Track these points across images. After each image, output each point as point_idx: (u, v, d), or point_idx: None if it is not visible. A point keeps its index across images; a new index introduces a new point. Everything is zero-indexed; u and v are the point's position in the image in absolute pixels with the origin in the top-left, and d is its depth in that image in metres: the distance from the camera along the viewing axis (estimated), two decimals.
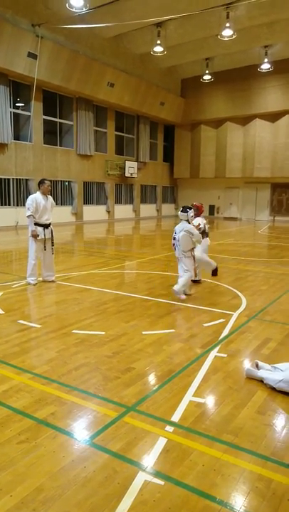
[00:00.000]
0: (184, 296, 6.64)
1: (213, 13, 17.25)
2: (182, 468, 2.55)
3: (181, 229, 6.60)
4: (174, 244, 6.74)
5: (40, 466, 2.56)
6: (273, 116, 25.10)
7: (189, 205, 6.95)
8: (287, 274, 8.73)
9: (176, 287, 6.56)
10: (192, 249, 6.72)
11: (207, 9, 16.78)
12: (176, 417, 3.11)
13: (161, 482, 2.42)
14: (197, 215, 7.42)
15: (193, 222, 7.01)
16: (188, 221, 6.68)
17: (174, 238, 6.70)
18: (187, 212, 6.63)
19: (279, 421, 3.12)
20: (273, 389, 3.56)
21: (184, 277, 6.62)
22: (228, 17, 16.98)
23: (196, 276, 7.21)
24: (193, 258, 6.80)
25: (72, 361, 4.10)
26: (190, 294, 6.92)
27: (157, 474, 2.49)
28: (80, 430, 2.95)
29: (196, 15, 17.37)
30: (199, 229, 7.16)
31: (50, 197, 7.53)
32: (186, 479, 2.45)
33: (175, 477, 2.47)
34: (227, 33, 17.42)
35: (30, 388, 3.54)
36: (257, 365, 3.90)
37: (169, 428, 2.98)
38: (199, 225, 7.29)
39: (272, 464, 2.61)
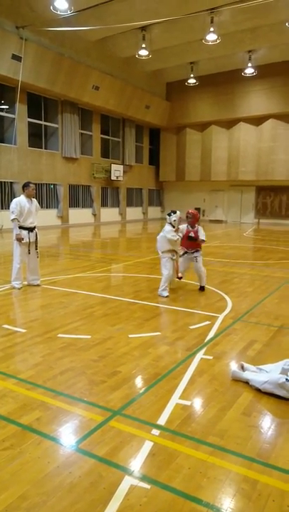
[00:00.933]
0: (165, 294, 6.92)
1: (198, 18, 17.41)
2: (168, 471, 2.55)
3: (163, 230, 7.05)
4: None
5: (25, 472, 2.52)
6: (257, 120, 25.43)
7: (174, 210, 7.29)
8: (271, 276, 8.82)
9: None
10: (171, 252, 7.05)
11: (191, 14, 16.93)
12: (162, 421, 3.11)
13: (147, 486, 2.41)
14: (193, 222, 7.44)
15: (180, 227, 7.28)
16: (171, 224, 7.02)
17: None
18: (170, 215, 7.08)
19: (264, 422, 3.14)
20: (259, 390, 3.58)
21: (162, 278, 7.04)
22: (212, 22, 17.16)
23: (177, 274, 7.40)
24: (175, 261, 7.16)
25: (57, 366, 4.07)
26: (180, 277, 7.35)
27: (144, 478, 2.48)
28: (66, 435, 2.92)
29: (181, 19, 17.51)
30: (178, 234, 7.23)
31: (34, 200, 7.47)
32: (172, 483, 2.45)
33: (161, 481, 2.46)
34: (211, 37, 17.60)
35: (15, 394, 3.50)
36: (242, 367, 3.92)
37: (155, 431, 2.97)
38: (178, 229, 7.27)
39: (258, 465, 2.63)
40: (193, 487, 2.41)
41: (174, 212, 7.10)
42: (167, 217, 7.11)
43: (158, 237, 7.13)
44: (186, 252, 7.52)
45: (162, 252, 7.05)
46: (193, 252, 7.45)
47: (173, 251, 7.10)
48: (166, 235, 6.95)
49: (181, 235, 7.30)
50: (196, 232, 7.38)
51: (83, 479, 2.46)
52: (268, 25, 18.75)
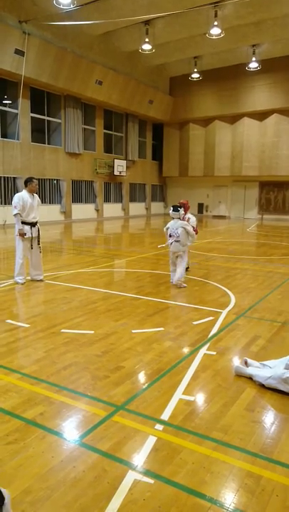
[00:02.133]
0: (185, 285, 7.24)
1: (201, 12, 17.29)
2: (172, 466, 2.55)
3: (177, 226, 7.16)
4: (170, 242, 7.22)
5: (29, 467, 2.53)
6: (261, 115, 25.28)
7: (178, 204, 7.42)
8: (275, 272, 8.80)
9: (175, 279, 7.26)
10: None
11: (195, 7, 16.81)
12: (165, 416, 3.11)
13: (151, 481, 2.42)
14: (184, 212, 7.67)
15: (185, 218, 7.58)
16: (180, 218, 7.27)
17: (170, 235, 7.23)
18: (178, 210, 7.23)
19: (268, 418, 3.14)
20: (262, 386, 3.58)
21: (180, 268, 7.22)
22: (216, 16, 17.03)
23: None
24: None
25: (60, 361, 4.07)
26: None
27: (147, 473, 2.48)
28: (69, 430, 2.93)
29: (184, 13, 17.40)
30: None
31: (36, 195, 7.47)
32: (175, 477, 2.45)
33: (165, 476, 2.46)
34: (215, 31, 17.47)
35: (19, 388, 3.51)
36: (246, 363, 3.92)
37: (159, 426, 2.97)
38: (189, 219, 7.76)
39: (262, 460, 2.63)
40: (196, 482, 2.41)
41: (180, 207, 7.34)
42: (174, 213, 7.23)
43: (178, 233, 7.08)
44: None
45: (184, 246, 7.21)
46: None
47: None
48: (186, 228, 7.13)
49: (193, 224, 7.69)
50: (187, 221, 7.72)
51: (87, 474, 2.47)
52: (271, 19, 18.59)
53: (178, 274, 7.25)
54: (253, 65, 22.84)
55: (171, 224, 7.26)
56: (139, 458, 2.62)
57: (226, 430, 2.94)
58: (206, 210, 29.49)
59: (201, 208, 29.73)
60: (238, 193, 28.18)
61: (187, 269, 7.76)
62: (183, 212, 7.32)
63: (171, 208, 7.31)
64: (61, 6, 15.20)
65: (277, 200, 26.73)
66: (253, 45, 22.02)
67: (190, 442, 2.80)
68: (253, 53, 22.35)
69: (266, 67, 23.21)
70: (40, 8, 17.22)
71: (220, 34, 17.64)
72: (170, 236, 7.21)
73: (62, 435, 2.86)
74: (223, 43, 20.32)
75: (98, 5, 16.89)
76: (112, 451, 2.68)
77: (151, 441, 2.80)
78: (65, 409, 3.18)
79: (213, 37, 17.97)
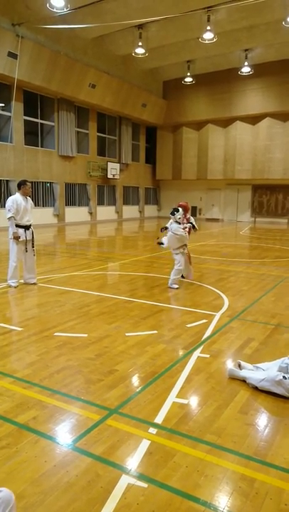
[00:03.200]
0: (176, 286, 7.37)
1: (194, 16, 17.40)
2: (166, 470, 2.54)
3: (170, 228, 7.42)
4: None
5: (22, 471, 2.51)
6: (253, 119, 25.45)
7: (176, 207, 7.59)
8: (268, 275, 8.84)
9: (170, 280, 7.43)
10: (182, 247, 7.52)
11: (188, 12, 16.91)
12: (159, 419, 3.10)
13: (144, 485, 2.41)
14: (185, 213, 7.89)
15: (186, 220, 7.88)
16: (177, 222, 7.44)
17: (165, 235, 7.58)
18: (174, 214, 7.43)
19: (261, 420, 3.14)
20: (256, 388, 3.59)
21: (173, 270, 7.45)
22: (208, 20, 17.14)
23: (190, 260, 7.95)
24: (188, 255, 7.76)
25: (54, 364, 4.05)
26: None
27: (141, 477, 2.47)
28: (63, 434, 2.91)
29: (177, 17, 17.49)
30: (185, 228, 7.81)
31: (29, 198, 7.44)
32: (169, 481, 2.44)
33: (159, 479, 2.45)
34: (208, 36, 17.57)
35: (11, 392, 3.48)
36: (239, 365, 3.93)
37: (153, 430, 2.96)
38: (190, 218, 8.16)
39: (255, 463, 2.63)
40: (190, 486, 2.41)
41: (177, 211, 7.44)
42: (171, 216, 7.44)
43: (168, 237, 7.42)
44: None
45: (174, 250, 7.48)
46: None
47: (184, 245, 7.59)
48: (175, 233, 7.33)
49: (187, 225, 7.90)
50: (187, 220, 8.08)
51: (80, 478, 2.45)
52: (264, 24, 18.76)
53: (172, 275, 7.47)
54: (246, 70, 23.02)
55: (168, 224, 7.58)
56: (133, 462, 2.61)
57: (219, 433, 2.94)
58: (200, 213, 29.56)
59: (194, 210, 29.78)
60: (231, 196, 28.30)
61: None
62: (180, 216, 7.40)
63: (171, 211, 7.63)
64: (55, 10, 15.21)
65: (269, 203, 26.88)
66: (246, 50, 22.20)
67: (184, 445, 2.79)
68: (246, 58, 22.53)
69: (258, 72, 23.39)
70: (34, 11, 17.20)
71: (213, 38, 17.74)
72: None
73: (56, 439, 2.84)
74: (216, 47, 20.45)
75: (92, 9, 16.93)
76: (105, 455, 2.67)
77: (144, 444, 2.79)
78: (58, 413, 3.16)
79: (206, 41, 18.07)
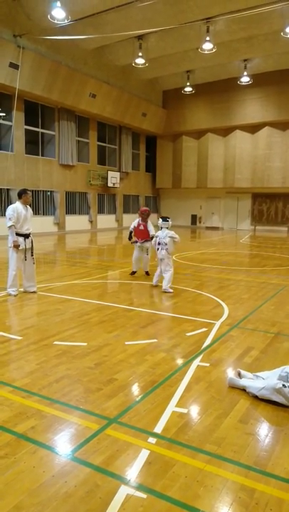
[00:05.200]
0: (171, 290, 7.64)
1: (194, 27, 17.62)
2: (165, 480, 2.52)
3: (164, 235, 7.76)
4: (158, 249, 7.81)
5: (20, 482, 2.49)
6: (253, 128, 25.63)
7: (166, 217, 8.11)
8: (268, 283, 8.83)
9: (164, 285, 7.69)
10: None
11: (187, 23, 17.12)
12: (158, 428, 3.08)
13: (143, 495, 2.39)
14: (146, 217, 8.99)
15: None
16: (167, 228, 7.87)
17: (159, 243, 7.79)
18: (168, 221, 7.88)
19: (261, 430, 3.12)
20: (256, 397, 3.57)
21: (168, 275, 7.72)
22: (208, 31, 17.35)
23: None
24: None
25: (53, 373, 4.04)
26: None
27: (140, 487, 2.45)
28: (61, 444, 2.89)
29: (177, 29, 17.71)
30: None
31: (29, 207, 7.47)
32: (168, 491, 2.42)
33: (158, 490, 2.43)
34: (207, 46, 17.77)
35: (10, 402, 3.46)
36: (239, 374, 3.91)
37: (152, 440, 2.94)
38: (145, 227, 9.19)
39: (255, 473, 2.61)
40: (190, 496, 2.39)
41: (169, 218, 8.02)
42: (164, 223, 7.86)
43: (166, 242, 7.73)
44: (136, 242, 9.10)
45: (170, 253, 7.82)
46: (143, 243, 9.06)
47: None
48: (173, 237, 7.75)
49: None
50: (146, 226, 9.01)
51: (79, 488, 2.43)
52: (262, 35, 18.98)
53: (166, 281, 7.71)
54: (245, 79, 23.24)
55: (159, 233, 7.87)
56: (132, 472, 2.59)
57: (219, 443, 2.92)
58: (199, 222, 29.64)
59: (194, 219, 29.88)
60: (230, 205, 28.39)
61: (147, 273, 8.99)
62: (171, 223, 7.96)
63: (161, 219, 7.96)
64: (55, 21, 15.40)
65: (269, 211, 26.96)
66: (245, 60, 22.44)
67: (183, 455, 2.77)
68: (245, 68, 22.77)
69: (257, 81, 23.62)
70: (35, 22, 17.45)
71: (212, 49, 17.94)
72: (159, 244, 7.80)
73: (54, 449, 2.82)
74: (215, 57, 20.68)
75: (92, 20, 17.15)
76: (104, 465, 2.65)
77: (144, 454, 2.77)
78: (57, 423, 3.14)
79: (206, 52, 18.28)
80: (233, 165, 26.41)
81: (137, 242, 9.14)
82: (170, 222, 7.91)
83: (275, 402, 3.47)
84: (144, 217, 9.09)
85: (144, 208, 9.32)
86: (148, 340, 5.05)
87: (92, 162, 24.48)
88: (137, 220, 9.23)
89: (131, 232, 9.30)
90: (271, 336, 5.30)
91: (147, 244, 9.04)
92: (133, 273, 9.34)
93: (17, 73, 17.31)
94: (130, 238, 9.32)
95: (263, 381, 3.64)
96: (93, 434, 2.99)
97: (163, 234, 7.80)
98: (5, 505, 2.29)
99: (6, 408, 3.35)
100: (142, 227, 9.11)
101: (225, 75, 24.44)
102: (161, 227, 7.89)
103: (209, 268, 10.73)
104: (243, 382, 3.74)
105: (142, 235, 9.09)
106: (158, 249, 7.80)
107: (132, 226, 9.31)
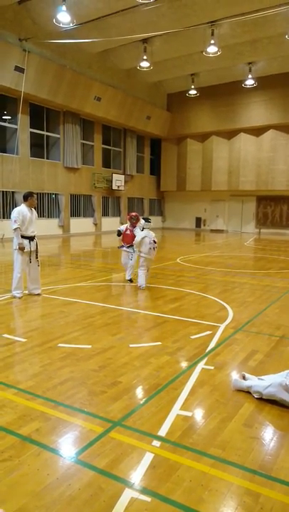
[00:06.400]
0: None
1: (198, 31, 17.66)
2: (169, 484, 2.51)
3: (152, 236, 8.18)
4: (150, 248, 8.09)
5: (24, 484, 2.49)
6: (257, 131, 25.61)
7: (148, 218, 8.56)
8: (272, 286, 8.80)
9: (142, 283, 8.13)
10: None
11: (192, 26, 17.17)
12: (163, 432, 3.07)
13: (148, 499, 2.38)
14: (136, 223, 8.91)
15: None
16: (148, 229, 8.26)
17: (155, 241, 8.18)
18: (150, 222, 8.39)
19: (266, 434, 3.11)
20: (260, 399, 3.55)
21: (144, 272, 8.18)
22: (212, 34, 17.40)
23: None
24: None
25: (57, 376, 4.04)
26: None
27: (144, 491, 2.44)
28: (65, 447, 2.89)
29: (182, 32, 17.76)
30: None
31: (33, 209, 7.50)
32: (173, 495, 2.41)
33: (162, 493, 2.42)
34: (212, 49, 17.82)
35: (14, 404, 3.47)
36: (244, 378, 3.89)
37: (156, 443, 2.94)
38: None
39: (260, 477, 2.59)
40: (194, 500, 2.37)
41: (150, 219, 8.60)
42: (149, 224, 8.29)
43: (155, 245, 8.19)
44: (122, 246, 9.07)
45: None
46: (128, 247, 8.95)
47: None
48: (155, 240, 8.20)
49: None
50: (133, 231, 8.84)
51: (83, 492, 2.43)
52: (267, 38, 19.00)
53: (145, 278, 8.17)
54: (249, 82, 23.26)
55: (148, 234, 8.14)
56: (136, 475, 2.58)
57: (223, 446, 2.91)
58: (204, 224, 29.61)
59: (198, 222, 29.86)
60: (235, 207, 28.34)
61: (131, 280, 8.93)
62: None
63: (144, 220, 8.35)
64: (61, 25, 15.51)
65: (274, 214, 26.89)
66: (249, 63, 22.46)
67: (187, 459, 2.76)
68: (249, 71, 22.78)
69: (262, 84, 23.62)
70: (40, 26, 17.58)
71: (216, 52, 17.99)
72: (154, 242, 8.15)
73: (58, 452, 2.82)
74: (220, 60, 20.71)
75: (97, 23, 17.25)
76: (108, 468, 2.64)
77: (148, 458, 2.76)
78: (61, 426, 3.14)
79: (210, 55, 18.33)
80: (237, 168, 26.39)
81: (123, 246, 9.03)
82: (151, 224, 8.39)
83: (280, 405, 3.45)
84: (134, 223, 8.90)
85: (134, 213, 9.11)
86: (152, 343, 5.05)
87: (97, 165, 24.55)
88: (125, 224, 9.13)
89: (119, 231, 9.16)
90: (276, 340, 5.28)
91: (132, 250, 8.85)
92: (130, 281, 9.04)
93: (22, 77, 17.41)
94: (119, 235, 9.16)
95: (269, 379, 3.62)
96: (97, 437, 2.99)
97: (151, 234, 8.15)
98: (9, 507, 2.29)
99: (11, 410, 3.36)
100: (128, 232, 8.92)
101: (229, 78, 24.46)
102: (144, 228, 8.19)
103: (214, 271, 10.70)
104: (247, 382, 3.73)
105: (130, 239, 8.81)
106: (150, 248, 8.04)
107: (120, 229, 9.19)
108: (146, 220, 8.33)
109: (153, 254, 8.20)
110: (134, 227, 8.85)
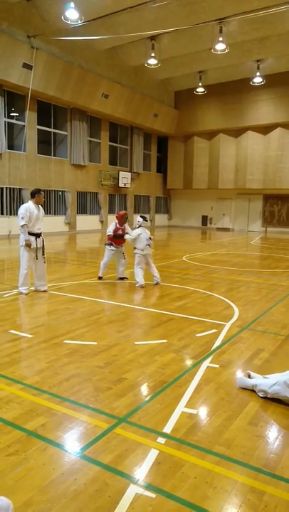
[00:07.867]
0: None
1: (206, 28, 17.58)
2: (174, 480, 2.52)
3: (147, 234, 8.28)
4: (150, 245, 8.33)
5: (30, 479, 2.51)
6: (265, 129, 25.46)
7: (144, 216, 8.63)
8: (279, 285, 8.77)
9: (140, 282, 8.17)
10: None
11: (200, 24, 17.09)
12: (168, 429, 3.08)
13: (152, 495, 2.39)
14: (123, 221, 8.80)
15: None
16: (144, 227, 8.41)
17: (150, 238, 8.34)
18: (147, 220, 8.63)
19: (271, 432, 3.11)
20: (266, 398, 3.55)
21: (140, 269, 8.31)
22: (220, 31, 17.29)
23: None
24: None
25: (63, 372, 4.06)
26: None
27: (149, 487, 2.46)
28: (71, 442, 2.91)
29: (190, 29, 17.69)
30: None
31: (40, 206, 7.53)
32: (177, 492, 2.42)
33: (167, 490, 2.44)
34: (220, 47, 17.71)
35: (21, 399, 3.50)
36: (249, 376, 3.89)
37: (161, 440, 2.95)
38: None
39: (265, 476, 2.59)
40: (199, 497, 2.38)
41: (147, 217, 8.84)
42: (145, 222, 8.39)
43: (151, 242, 8.35)
44: (112, 244, 8.80)
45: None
46: (119, 247, 8.87)
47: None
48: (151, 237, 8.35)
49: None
50: (124, 230, 8.73)
51: (88, 487, 2.45)
52: (275, 35, 18.86)
53: (141, 277, 8.23)
54: (257, 80, 23.11)
55: (142, 231, 8.28)
56: (141, 471, 2.60)
57: (228, 444, 2.91)
58: (210, 223, 29.54)
59: (205, 220, 29.79)
60: (242, 206, 28.24)
61: (123, 279, 8.95)
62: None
63: (142, 218, 8.40)
64: (69, 22, 15.50)
65: (281, 213, 26.75)
66: (258, 61, 22.31)
67: (192, 456, 2.77)
68: (257, 68, 22.64)
69: (270, 82, 23.46)
70: (48, 23, 17.59)
71: (224, 49, 17.87)
72: (150, 239, 8.29)
73: (64, 447, 2.84)
74: (228, 58, 20.61)
75: (105, 20, 17.22)
76: (113, 464, 2.66)
77: (153, 454, 2.77)
78: (66, 421, 3.17)
79: (218, 52, 18.22)
80: (244, 166, 26.27)
81: (112, 244, 8.74)
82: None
83: (285, 404, 3.45)
84: (123, 222, 8.69)
85: (123, 212, 8.90)
86: (158, 341, 5.06)
87: (104, 162, 24.56)
88: (114, 223, 8.73)
89: (109, 235, 8.75)
90: (282, 339, 5.27)
91: (123, 249, 8.87)
92: (100, 278, 8.93)
93: (30, 74, 17.45)
94: (116, 236, 8.73)
95: (275, 378, 3.62)
96: (103, 433, 3.01)
97: (146, 231, 8.29)
98: (15, 501, 2.31)
99: (17, 405, 3.38)
100: (120, 232, 8.65)
101: (237, 76, 24.33)
102: (140, 225, 8.32)
103: (220, 269, 10.69)
104: (252, 381, 3.72)
105: (120, 239, 8.71)
106: (147, 244, 8.18)
107: (109, 231, 8.73)
108: (144, 218, 8.42)
109: (150, 250, 8.30)
110: (123, 225, 8.69)
